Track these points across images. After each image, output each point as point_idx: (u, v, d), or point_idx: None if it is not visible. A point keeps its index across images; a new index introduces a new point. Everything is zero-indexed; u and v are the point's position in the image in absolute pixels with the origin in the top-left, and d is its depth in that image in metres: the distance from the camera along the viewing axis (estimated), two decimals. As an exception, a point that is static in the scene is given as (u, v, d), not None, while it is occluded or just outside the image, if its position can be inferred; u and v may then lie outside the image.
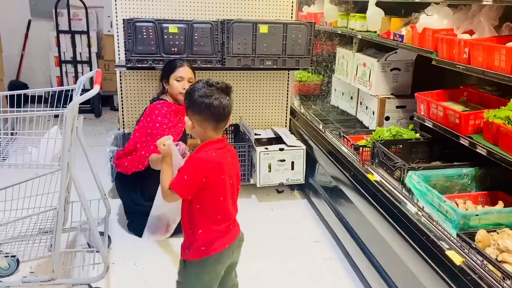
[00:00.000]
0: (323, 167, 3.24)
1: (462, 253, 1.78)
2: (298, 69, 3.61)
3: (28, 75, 5.93)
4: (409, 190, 2.21)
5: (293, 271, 2.66)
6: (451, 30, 2.33)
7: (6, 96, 2.59)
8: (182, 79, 2.89)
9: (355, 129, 3.28)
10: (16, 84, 5.68)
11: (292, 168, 3.45)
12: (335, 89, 4.00)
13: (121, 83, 3.60)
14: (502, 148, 1.89)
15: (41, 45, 5.86)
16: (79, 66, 5.77)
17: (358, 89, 3.47)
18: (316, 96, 4.35)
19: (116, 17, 3.43)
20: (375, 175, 2.50)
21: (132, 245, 2.86)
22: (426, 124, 2.42)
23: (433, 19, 2.44)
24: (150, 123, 2.82)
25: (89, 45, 5.71)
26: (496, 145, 1.93)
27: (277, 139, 3.68)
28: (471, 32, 2.24)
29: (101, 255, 2.30)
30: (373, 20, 3.05)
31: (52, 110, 2.29)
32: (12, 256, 2.42)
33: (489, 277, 1.63)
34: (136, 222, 3.00)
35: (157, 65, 3.20)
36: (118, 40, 3.47)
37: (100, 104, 5.77)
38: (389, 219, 2.22)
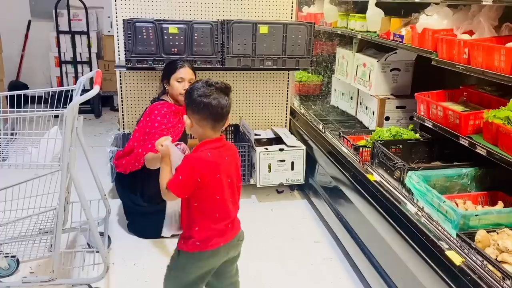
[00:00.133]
0: (323, 167, 3.25)
1: (462, 253, 1.78)
2: (298, 69, 3.61)
3: (28, 75, 5.93)
4: (409, 190, 2.21)
5: (293, 271, 2.66)
6: (451, 31, 2.34)
7: (6, 97, 2.59)
8: (182, 80, 2.89)
9: (355, 129, 3.28)
10: (16, 85, 5.68)
11: (292, 169, 3.46)
12: (335, 89, 4.00)
13: (121, 84, 3.60)
14: (502, 148, 1.89)
15: (41, 45, 5.86)
16: (79, 67, 5.77)
17: (358, 89, 3.48)
18: (316, 97, 4.35)
19: (116, 17, 3.43)
20: (375, 175, 2.50)
21: (132, 245, 2.86)
22: (426, 124, 2.42)
23: (433, 20, 2.44)
24: (149, 123, 2.82)
25: (89, 46, 5.71)
26: (496, 145, 1.93)
27: (277, 140, 3.68)
28: (470, 33, 2.24)
29: (101, 256, 2.30)
30: (373, 20, 3.05)
31: (52, 110, 2.29)
32: (12, 256, 2.42)
33: (489, 277, 1.63)
34: (135, 222, 3.00)
35: (157, 66, 3.21)
36: (118, 40, 3.47)
37: (100, 105, 5.77)
38: (389, 219, 2.22)
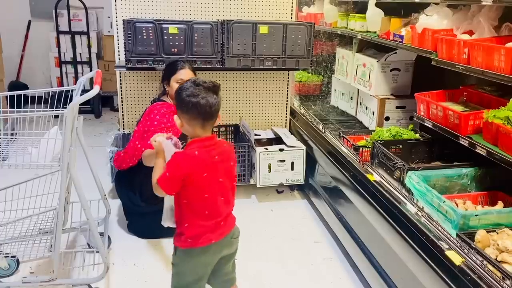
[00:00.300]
0: (323, 167, 3.25)
1: (462, 253, 1.78)
2: (298, 69, 3.60)
3: (28, 75, 5.93)
4: (408, 190, 2.21)
5: (293, 271, 2.66)
6: (451, 31, 2.34)
7: (6, 97, 2.60)
8: (182, 81, 2.88)
9: (355, 129, 3.28)
10: (16, 85, 5.68)
11: (292, 169, 3.46)
12: (335, 90, 4.00)
13: (121, 84, 3.60)
14: (502, 148, 1.89)
15: (41, 45, 5.86)
16: (79, 67, 5.77)
17: (358, 89, 3.48)
18: (316, 97, 4.35)
19: (116, 17, 3.43)
20: (375, 175, 2.50)
21: (132, 245, 2.86)
22: (425, 124, 2.43)
23: (432, 20, 2.44)
24: (148, 121, 2.83)
25: (89, 46, 5.71)
26: (496, 145, 1.93)
27: (277, 140, 3.68)
28: (470, 33, 2.24)
29: (101, 256, 2.30)
30: (373, 20, 3.05)
31: (52, 110, 2.29)
32: (12, 257, 2.43)
33: (488, 277, 1.63)
34: (135, 222, 3.00)
35: (157, 66, 3.21)
36: (118, 40, 3.47)
37: (100, 105, 5.77)
38: (389, 219, 2.22)
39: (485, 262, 1.68)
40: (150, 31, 3.14)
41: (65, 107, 2.05)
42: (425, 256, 1.92)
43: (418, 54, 2.67)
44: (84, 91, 2.31)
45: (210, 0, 3.54)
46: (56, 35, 5.59)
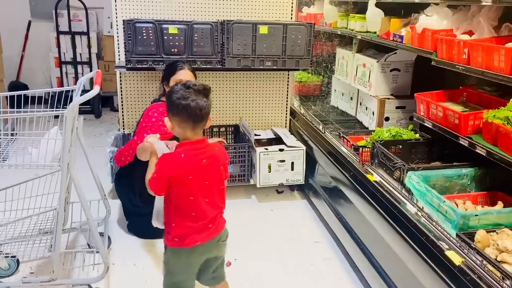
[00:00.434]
0: (323, 167, 3.25)
1: (462, 253, 1.78)
2: (298, 69, 3.61)
3: (28, 76, 5.94)
4: (408, 191, 2.21)
5: (293, 272, 2.67)
6: (451, 31, 2.34)
7: (6, 97, 2.60)
8: (181, 82, 2.89)
9: (355, 129, 3.28)
10: (16, 85, 5.69)
11: (292, 169, 3.46)
12: (335, 90, 4.00)
13: (121, 84, 3.61)
14: (502, 149, 1.89)
15: (41, 46, 5.86)
16: (79, 67, 5.77)
17: (358, 89, 3.48)
18: (316, 97, 4.35)
19: (116, 18, 3.43)
20: (375, 176, 2.50)
21: (132, 245, 2.86)
22: (425, 124, 2.43)
23: (432, 20, 2.44)
24: (146, 118, 2.84)
25: (89, 46, 5.72)
26: (496, 146, 1.93)
27: (277, 140, 3.68)
28: (470, 33, 2.24)
29: (101, 256, 2.30)
30: (373, 20, 3.05)
31: (52, 110, 2.29)
32: (12, 257, 2.43)
33: (488, 277, 1.63)
34: (135, 223, 3.00)
35: (157, 66, 3.21)
36: (118, 41, 3.48)
37: (100, 105, 5.77)
38: (389, 219, 2.22)
39: (485, 262, 1.68)
40: (150, 31, 3.14)
41: (65, 108, 2.05)
42: (425, 256, 1.92)
43: (418, 54, 2.67)
44: (84, 91, 2.31)
45: (210, 0, 3.55)
46: (56, 35, 5.60)
